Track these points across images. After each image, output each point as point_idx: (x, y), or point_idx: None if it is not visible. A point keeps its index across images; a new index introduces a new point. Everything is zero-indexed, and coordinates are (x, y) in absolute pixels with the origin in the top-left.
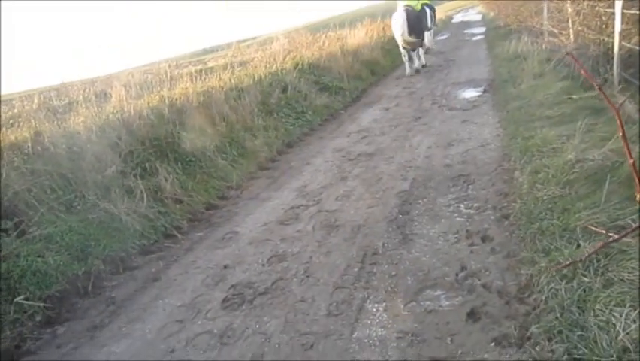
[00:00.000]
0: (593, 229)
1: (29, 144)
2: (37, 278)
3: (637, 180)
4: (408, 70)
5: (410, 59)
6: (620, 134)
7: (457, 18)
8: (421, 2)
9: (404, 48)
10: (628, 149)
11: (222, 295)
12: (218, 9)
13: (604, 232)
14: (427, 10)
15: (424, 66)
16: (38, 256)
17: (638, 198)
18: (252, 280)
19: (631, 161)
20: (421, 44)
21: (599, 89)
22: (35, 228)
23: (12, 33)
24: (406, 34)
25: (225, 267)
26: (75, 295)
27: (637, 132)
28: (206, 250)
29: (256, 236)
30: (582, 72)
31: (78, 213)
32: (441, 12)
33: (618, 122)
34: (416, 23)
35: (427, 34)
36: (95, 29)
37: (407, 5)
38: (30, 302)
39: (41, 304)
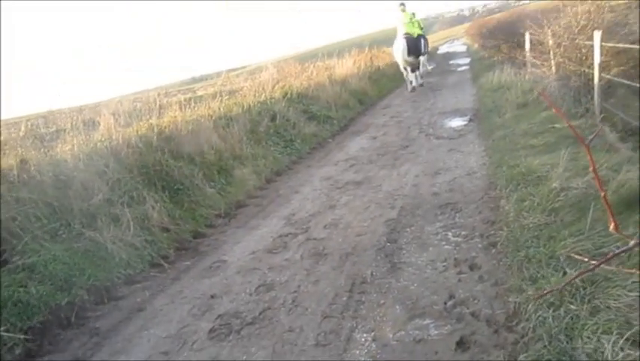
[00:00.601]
0: (576, 257)
1: (15, 172)
2: (18, 309)
3: (609, 213)
4: (409, 87)
5: (410, 81)
6: (591, 168)
7: (443, 49)
8: (416, 32)
9: (405, 69)
10: (599, 183)
11: (209, 326)
12: (219, 9)
13: (586, 259)
14: (422, 39)
15: (421, 85)
16: (20, 286)
17: (611, 229)
18: (239, 310)
19: (602, 194)
20: (418, 66)
21: (569, 125)
22: (18, 257)
23: None
24: (406, 55)
25: (212, 296)
26: (58, 326)
27: (618, 161)
28: (193, 280)
29: (244, 265)
30: (554, 111)
31: (63, 241)
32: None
33: (588, 157)
34: (413, 47)
35: (422, 58)
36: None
37: (406, 33)
38: (10, 334)
39: (22, 336)
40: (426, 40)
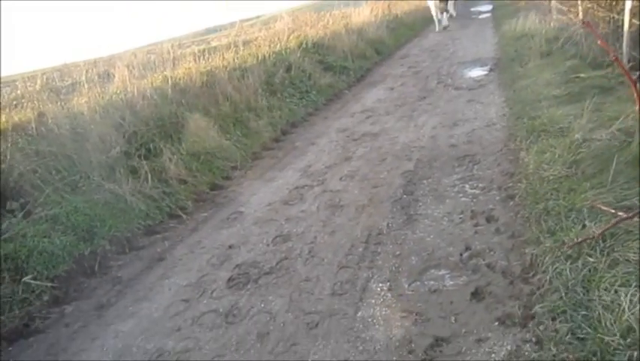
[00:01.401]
0: (602, 208)
1: (33, 125)
2: (44, 258)
3: None
4: (438, 28)
5: (439, 21)
6: (637, 107)
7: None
8: None
9: (436, 13)
10: None
11: (227, 275)
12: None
13: (613, 211)
14: None
15: (445, 27)
16: (45, 237)
17: None
18: (256, 260)
19: None
20: (446, 9)
21: (616, 59)
22: (41, 209)
23: (11, 17)
24: (438, 1)
25: (230, 247)
26: (82, 274)
27: None
28: (211, 230)
29: (261, 216)
30: (599, 42)
31: (83, 193)
32: None
33: (635, 95)
34: None
35: (450, 3)
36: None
37: None
38: (38, 282)
39: (49, 284)
40: None
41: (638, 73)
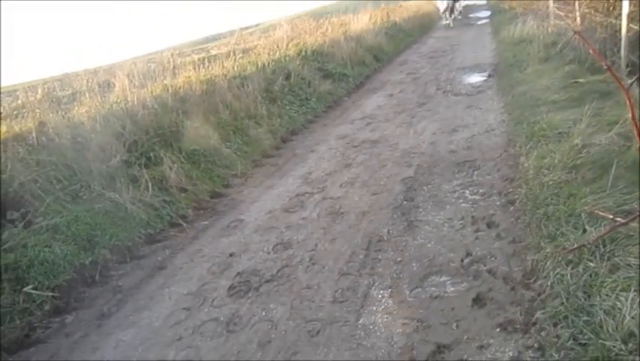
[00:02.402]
0: (600, 213)
1: (34, 135)
2: (44, 268)
3: None
4: (444, 24)
5: (445, 18)
6: (630, 115)
7: (462, 2)
8: None
9: (444, 12)
10: (638, 131)
11: (228, 283)
12: None
13: (611, 216)
14: None
15: (448, 25)
16: (45, 246)
17: None
18: (257, 268)
19: (639, 144)
20: (453, 10)
21: (609, 69)
22: (42, 218)
23: (11, 25)
24: (445, 3)
25: (231, 255)
26: (82, 284)
27: None
28: (211, 239)
29: (261, 224)
30: (591, 52)
31: (84, 203)
32: None
33: (627, 103)
34: None
35: (456, 4)
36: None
37: None
38: (38, 292)
39: (50, 294)
40: None
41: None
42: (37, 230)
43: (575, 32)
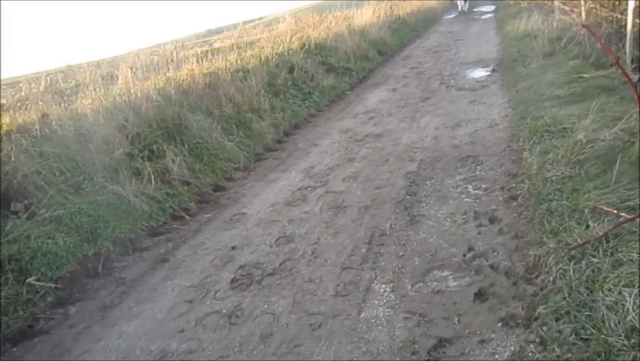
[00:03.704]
0: (604, 209)
1: (37, 127)
2: (48, 259)
3: None
4: (460, 9)
5: (461, 6)
6: (638, 109)
7: None
8: None
9: (459, 2)
10: None
11: (231, 276)
12: None
13: (615, 212)
14: None
15: (464, 12)
16: (49, 238)
17: None
18: (260, 261)
19: None
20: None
21: (617, 62)
22: (45, 210)
23: (15, 16)
24: None
25: (233, 248)
26: (86, 275)
27: None
28: (214, 232)
29: (264, 217)
30: (599, 46)
31: (87, 195)
32: None
33: (635, 97)
34: None
35: None
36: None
37: None
38: (42, 283)
39: (53, 285)
40: None
41: (638, 75)
42: (41, 222)
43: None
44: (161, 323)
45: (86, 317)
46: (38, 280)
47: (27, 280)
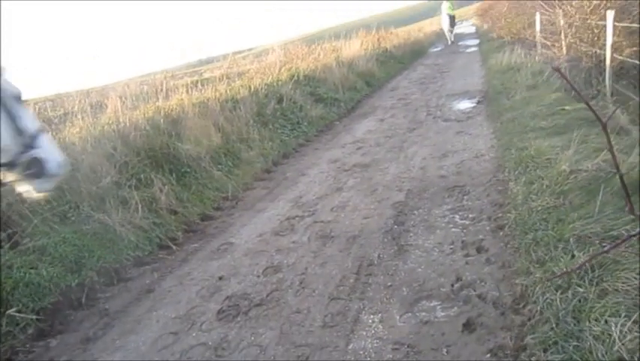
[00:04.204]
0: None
1: None
2: (30, 290)
3: (626, 194)
4: (449, 42)
5: (449, 37)
6: (608, 148)
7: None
8: (454, 12)
9: (447, 32)
10: (616, 163)
11: (217, 307)
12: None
13: (597, 242)
14: (454, 17)
15: (452, 42)
16: (31, 268)
17: (627, 210)
18: (247, 292)
19: (619, 175)
20: (452, 30)
21: (587, 103)
22: (29, 239)
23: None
24: (449, 26)
25: (220, 278)
26: (68, 307)
27: (629, 143)
28: (201, 262)
29: (251, 247)
30: (571, 87)
31: (72, 224)
32: (436, 25)
33: (606, 137)
34: (452, 20)
35: (454, 27)
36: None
37: (448, 14)
38: (22, 315)
39: (34, 317)
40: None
41: (609, 114)
42: (24, 251)
43: (554, 68)
44: (144, 356)
45: (67, 349)
46: (19, 311)
47: (7, 312)
